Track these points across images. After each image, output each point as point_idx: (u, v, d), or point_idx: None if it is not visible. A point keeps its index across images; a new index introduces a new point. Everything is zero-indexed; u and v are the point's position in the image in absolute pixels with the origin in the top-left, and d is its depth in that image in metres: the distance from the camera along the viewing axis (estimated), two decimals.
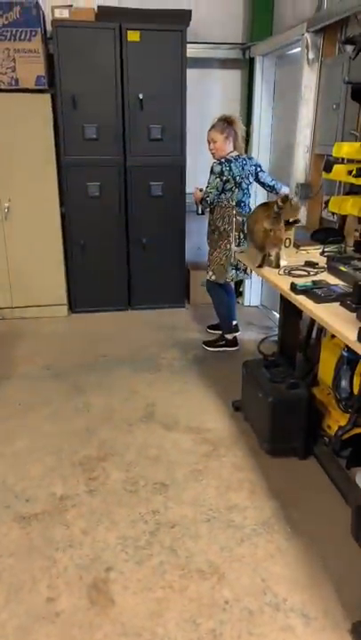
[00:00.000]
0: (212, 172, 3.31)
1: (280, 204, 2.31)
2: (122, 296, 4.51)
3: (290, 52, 3.76)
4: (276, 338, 3.89)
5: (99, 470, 2.43)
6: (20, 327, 4.16)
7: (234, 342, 3.74)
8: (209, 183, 3.32)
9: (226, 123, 3.33)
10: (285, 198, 2.34)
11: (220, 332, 3.78)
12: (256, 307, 4.68)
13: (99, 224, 4.24)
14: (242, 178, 3.35)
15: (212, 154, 3.38)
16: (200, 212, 3.44)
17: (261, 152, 4.26)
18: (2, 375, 3.34)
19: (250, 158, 3.49)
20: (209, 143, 3.38)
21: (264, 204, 2.43)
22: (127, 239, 4.34)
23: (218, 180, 3.28)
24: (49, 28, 3.85)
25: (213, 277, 3.55)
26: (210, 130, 3.37)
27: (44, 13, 3.79)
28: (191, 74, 4.08)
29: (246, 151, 4.40)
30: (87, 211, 4.18)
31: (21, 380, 3.30)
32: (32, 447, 2.60)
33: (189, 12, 3.94)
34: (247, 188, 3.42)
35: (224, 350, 3.71)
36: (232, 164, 3.29)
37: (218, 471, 2.43)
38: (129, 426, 2.79)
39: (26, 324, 4.21)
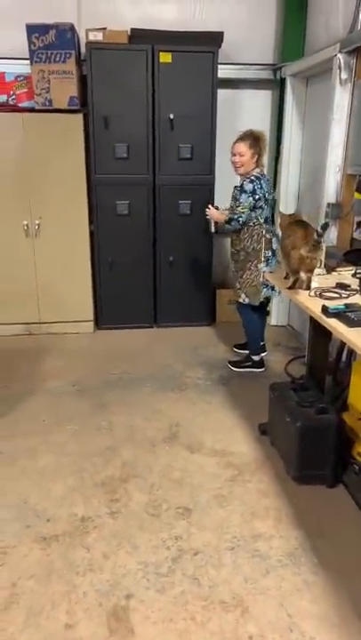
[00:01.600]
0: (243, 190, 3.22)
1: (321, 231, 2.27)
2: (148, 313, 4.50)
3: (322, 72, 3.74)
4: (304, 360, 3.83)
5: (121, 492, 2.39)
6: (47, 342, 4.18)
7: (260, 363, 3.68)
8: (240, 202, 3.21)
9: (254, 138, 3.27)
10: (326, 226, 2.31)
11: (247, 352, 3.72)
12: (283, 327, 4.61)
13: (127, 242, 4.26)
14: (270, 194, 3.35)
15: (236, 167, 3.29)
16: (215, 230, 3.46)
17: (291, 171, 4.23)
18: (28, 390, 3.35)
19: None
20: (234, 155, 3.27)
21: (301, 225, 2.38)
22: (154, 257, 4.34)
23: (250, 198, 3.21)
24: (83, 50, 3.93)
25: (247, 300, 3.46)
26: (237, 142, 3.27)
27: (78, 36, 3.87)
28: (222, 94, 4.10)
29: (276, 170, 4.42)
30: (116, 229, 4.21)
31: (47, 395, 3.30)
32: (55, 465, 2.58)
33: (221, 33, 3.97)
34: (273, 204, 3.47)
35: (250, 371, 3.64)
36: (262, 181, 3.27)
37: (243, 497, 2.36)
38: (152, 446, 2.75)
39: (52, 340, 4.24)
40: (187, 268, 4.38)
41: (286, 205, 4.29)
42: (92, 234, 4.22)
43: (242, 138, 3.24)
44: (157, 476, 2.50)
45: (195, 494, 2.37)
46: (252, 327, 3.64)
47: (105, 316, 4.47)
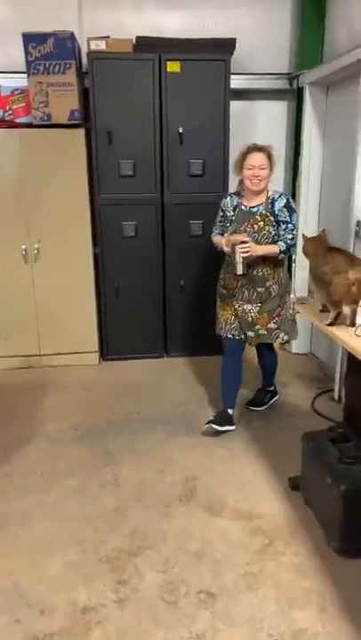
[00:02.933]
0: (292, 209, 2.77)
1: None
2: (157, 342, 4.14)
3: (344, 79, 3.42)
4: (333, 394, 3.44)
5: (130, 570, 2.00)
6: (48, 376, 3.83)
7: (275, 391, 3.35)
8: (294, 224, 2.75)
9: (268, 152, 2.76)
10: None
11: (264, 407, 3.30)
12: (305, 355, 4.23)
13: (134, 265, 3.92)
14: None
15: (254, 182, 2.71)
16: (242, 271, 2.68)
17: (312, 188, 3.89)
18: (25, 435, 2.98)
19: None
20: (250, 168, 2.69)
21: (336, 250, 2.03)
22: (164, 281, 4.00)
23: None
24: (84, 60, 3.64)
25: (286, 337, 3.02)
26: (253, 152, 2.72)
27: (79, 45, 3.59)
28: (234, 106, 3.78)
29: (294, 187, 4.08)
30: (122, 251, 3.88)
31: (45, 441, 2.93)
32: (52, 533, 2.20)
33: (234, 40, 3.67)
34: None
35: (271, 403, 3.31)
36: None
37: (277, 576, 1.96)
38: (166, 507, 2.36)
39: (54, 373, 3.88)
40: (199, 294, 4.01)
41: (307, 226, 3.94)
42: (96, 257, 3.89)
43: (259, 149, 2.73)
44: (173, 547, 2.11)
45: (219, 573, 1.98)
46: (276, 362, 3.28)
47: (111, 346, 4.12)
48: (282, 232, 2.73)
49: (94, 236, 3.84)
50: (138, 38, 3.59)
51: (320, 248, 2.10)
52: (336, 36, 3.64)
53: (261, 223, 2.73)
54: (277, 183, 4.27)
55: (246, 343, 2.97)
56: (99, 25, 3.76)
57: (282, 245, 2.72)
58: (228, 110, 3.71)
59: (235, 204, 2.83)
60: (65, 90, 3.46)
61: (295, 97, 4.02)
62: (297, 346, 4.22)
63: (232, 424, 2.99)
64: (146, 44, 3.58)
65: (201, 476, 2.58)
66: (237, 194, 2.86)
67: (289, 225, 2.74)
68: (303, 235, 2.29)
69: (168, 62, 3.57)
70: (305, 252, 2.23)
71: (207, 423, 2.94)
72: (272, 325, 2.89)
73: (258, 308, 2.83)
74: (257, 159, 2.69)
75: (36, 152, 3.58)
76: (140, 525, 2.23)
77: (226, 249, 2.73)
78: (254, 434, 2.97)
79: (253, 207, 2.78)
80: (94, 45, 3.51)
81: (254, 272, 2.76)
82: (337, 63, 3.30)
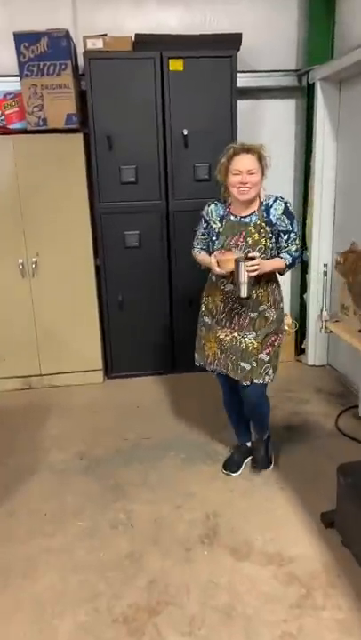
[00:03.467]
0: (292, 215, 2.30)
1: None
2: (165, 358, 3.90)
3: (358, 74, 3.20)
4: (358, 411, 3.20)
5: (150, 631, 1.75)
6: (50, 398, 3.58)
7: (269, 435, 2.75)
8: (296, 233, 2.32)
9: (258, 153, 2.25)
10: None
11: (271, 465, 2.69)
12: (322, 367, 3.98)
13: (138, 278, 3.68)
14: None
15: (243, 191, 2.22)
16: (248, 293, 2.20)
17: (326, 189, 3.66)
18: (27, 467, 2.74)
19: None
20: (237, 174, 2.20)
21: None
22: (170, 294, 3.76)
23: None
24: (80, 61, 3.41)
25: (272, 376, 2.40)
26: (241, 154, 2.22)
27: (74, 45, 3.36)
28: (240, 106, 3.55)
29: (306, 192, 3.84)
30: (125, 263, 3.64)
31: (49, 474, 2.68)
32: (60, 588, 1.95)
33: (239, 35, 3.45)
34: None
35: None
36: None
37: (318, 635, 1.71)
38: (186, 551, 2.11)
39: (56, 394, 3.64)
40: None
41: (321, 233, 3.71)
42: (97, 270, 3.65)
43: (247, 150, 2.22)
44: (197, 601, 1.86)
45: (252, 634, 1.73)
46: (267, 408, 2.61)
47: (116, 363, 3.88)
48: (284, 244, 2.30)
49: (95, 247, 3.60)
50: (137, 35, 3.36)
51: (359, 261, 1.86)
52: (348, 29, 3.41)
53: (256, 235, 2.25)
54: (287, 186, 4.06)
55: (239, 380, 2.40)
56: (95, 25, 3.53)
57: (288, 259, 2.29)
58: (236, 109, 3.48)
59: (221, 213, 2.34)
60: (61, 92, 3.23)
61: (305, 94, 3.79)
62: (313, 357, 3.98)
63: (246, 457, 2.69)
64: (146, 42, 3.35)
65: (222, 512, 2.33)
66: (223, 201, 2.37)
67: (291, 234, 2.29)
68: (338, 254, 2.07)
69: (170, 60, 3.35)
70: (342, 269, 1.99)
71: (223, 468, 2.64)
72: (263, 356, 2.34)
73: (253, 335, 2.33)
74: (245, 163, 2.19)
75: (32, 160, 3.35)
76: (158, 575, 1.99)
77: (217, 270, 2.21)
78: (278, 461, 2.72)
79: (245, 217, 2.29)
80: (91, 44, 3.28)
81: (242, 299, 2.27)
82: (350, 57, 3.08)
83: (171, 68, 3.36)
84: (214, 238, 2.36)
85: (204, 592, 1.90)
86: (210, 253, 2.36)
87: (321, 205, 3.68)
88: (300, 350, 4.07)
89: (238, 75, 3.49)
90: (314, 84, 3.59)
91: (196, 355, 2.59)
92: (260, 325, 2.35)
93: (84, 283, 3.61)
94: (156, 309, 3.78)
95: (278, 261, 2.30)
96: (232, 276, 2.21)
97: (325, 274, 1.76)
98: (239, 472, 2.62)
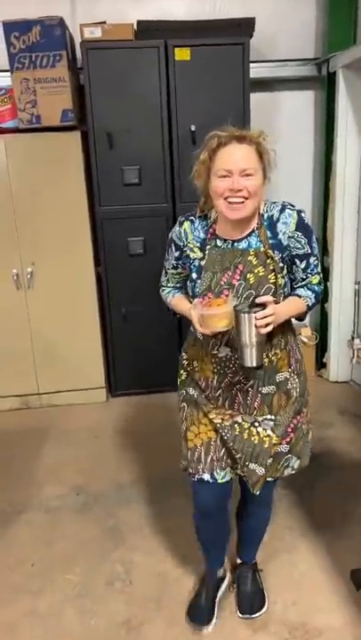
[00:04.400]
0: (309, 229, 1.53)
1: None
2: (172, 373, 3.54)
3: None
4: None
5: None
6: (48, 419, 3.30)
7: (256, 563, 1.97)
8: (315, 257, 1.55)
9: (257, 144, 1.46)
10: None
11: (263, 609, 1.82)
12: (346, 383, 3.64)
13: (143, 288, 3.37)
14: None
15: (234, 206, 1.44)
16: (256, 362, 1.42)
17: (349, 189, 3.31)
18: (18, 505, 2.45)
19: None
20: (225, 176, 1.42)
21: None
22: None
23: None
24: (77, 53, 3.12)
25: (298, 465, 1.69)
26: (233, 143, 1.42)
27: (70, 34, 3.07)
28: (253, 99, 3.22)
29: (327, 189, 3.49)
30: (129, 272, 3.34)
31: (40, 514, 2.39)
32: None
33: (252, 19, 3.12)
34: None
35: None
36: None
37: None
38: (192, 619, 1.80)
39: (55, 415, 3.35)
40: None
41: (343, 237, 3.37)
42: (99, 279, 3.36)
43: (240, 138, 1.42)
44: None
45: None
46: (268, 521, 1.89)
47: (120, 380, 3.58)
48: (301, 274, 1.54)
49: (96, 255, 3.31)
50: (139, 22, 3.06)
51: None
52: None
53: (261, 269, 1.47)
54: (306, 185, 3.72)
55: (244, 482, 1.69)
56: (94, 16, 3.22)
57: (309, 297, 1.55)
58: (249, 102, 3.16)
59: (202, 235, 1.55)
60: (55, 86, 2.95)
61: (325, 85, 3.44)
62: (336, 372, 3.64)
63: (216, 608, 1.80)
64: (149, 29, 3.04)
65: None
66: (204, 216, 1.58)
67: (311, 259, 1.52)
68: None
69: (176, 49, 3.03)
70: None
71: (189, 617, 1.79)
72: (283, 448, 1.61)
73: (271, 423, 1.57)
74: (237, 158, 1.40)
75: (26, 161, 3.07)
76: None
77: (200, 330, 1.43)
78: (296, 500, 2.40)
79: (240, 241, 1.51)
80: (88, 33, 2.99)
81: (252, 369, 1.49)
82: None
83: (177, 58, 3.05)
84: (194, 275, 1.54)
85: None
86: (189, 296, 1.58)
87: (344, 205, 3.34)
88: (320, 364, 3.73)
89: (251, 65, 3.16)
90: (335, 72, 3.25)
91: (183, 449, 1.69)
92: (280, 405, 1.57)
93: (84, 294, 3.32)
94: (164, 322, 3.46)
95: (297, 302, 1.54)
96: (226, 336, 1.49)
97: (358, 293, 1.41)
98: (213, 623, 1.76)
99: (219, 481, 1.61)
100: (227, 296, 1.47)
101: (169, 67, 3.06)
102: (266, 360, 1.51)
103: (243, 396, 1.57)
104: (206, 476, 1.60)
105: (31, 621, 1.82)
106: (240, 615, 1.79)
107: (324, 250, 3.53)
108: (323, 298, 3.64)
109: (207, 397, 1.62)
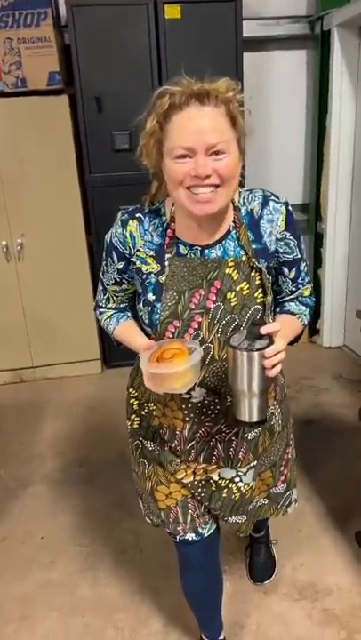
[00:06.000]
0: (296, 227, 1.19)
1: None
2: None
3: None
4: None
5: None
6: (43, 393, 3.28)
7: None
8: (304, 261, 1.24)
9: (231, 111, 1.04)
10: None
11: (272, 576, 1.85)
12: (338, 348, 3.68)
13: None
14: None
15: (201, 196, 1.03)
16: (259, 416, 1.06)
17: (343, 154, 3.27)
18: (20, 480, 2.45)
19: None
20: (187, 156, 1.01)
21: None
22: None
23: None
24: (63, 11, 2.96)
25: (296, 494, 1.54)
26: (195, 103, 1.02)
27: None
28: (244, 59, 3.12)
29: (320, 154, 3.43)
30: None
31: (45, 487, 2.40)
32: (60, 636, 1.69)
33: None
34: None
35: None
36: None
37: None
38: None
39: (50, 389, 3.33)
40: None
41: (336, 209, 3.34)
42: (91, 248, 3.29)
43: (201, 96, 1.01)
44: None
45: None
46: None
47: (115, 351, 3.53)
48: (290, 286, 1.23)
49: (87, 224, 3.23)
50: None
51: None
52: None
53: (245, 286, 1.12)
54: (298, 151, 3.65)
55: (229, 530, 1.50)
56: None
57: (304, 314, 1.27)
58: (242, 61, 3.06)
59: (156, 240, 1.16)
60: (41, 47, 2.80)
61: (318, 44, 3.33)
62: (329, 338, 3.68)
63: None
64: None
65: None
66: (155, 212, 1.18)
67: (301, 265, 1.22)
68: None
69: (166, 6, 2.89)
70: None
71: None
72: (279, 489, 1.44)
73: (252, 472, 1.30)
74: (201, 128, 1.00)
75: (11, 127, 2.94)
76: (175, 615, 1.72)
77: (155, 390, 1.09)
78: (299, 465, 2.42)
79: (211, 247, 1.14)
80: None
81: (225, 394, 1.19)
82: None
83: (166, 16, 2.92)
84: (151, 297, 1.14)
85: (229, 638, 1.64)
86: (142, 323, 1.20)
87: (338, 169, 3.29)
88: (313, 331, 3.76)
89: (243, 22, 3.05)
90: (329, 31, 3.15)
91: (142, 506, 1.41)
92: (263, 447, 1.30)
93: (76, 264, 3.25)
94: None
95: (292, 323, 1.23)
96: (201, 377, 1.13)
97: None
98: None
99: (205, 535, 1.32)
100: (192, 335, 1.11)
101: (159, 25, 2.93)
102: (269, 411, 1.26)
103: (224, 448, 1.24)
104: (190, 536, 1.31)
105: (47, 592, 1.84)
106: (252, 581, 1.83)
107: (318, 215, 3.51)
108: (316, 264, 3.74)
109: (172, 450, 1.26)
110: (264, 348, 0.97)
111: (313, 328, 3.75)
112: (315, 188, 3.49)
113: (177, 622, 1.69)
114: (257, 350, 0.97)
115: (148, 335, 1.19)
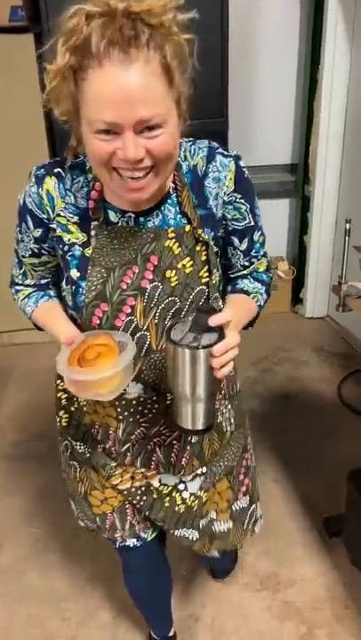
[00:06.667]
0: (250, 186, 0.97)
1: None
2: None
3: None
4: None
5: None
6: (10, 360, 3.11)
7: None
8: (260, 230, 1.01)
9: (166, 62, 0.76)
10: None
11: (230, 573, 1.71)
12: (322, 319, 3.53)
13: None
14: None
15: (130, 184, 0.81)
16: (205, 423, 0.87)
17: (334, 116, 3.01)
18: None
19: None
20: (109, 132, 0.76)
21: None
22: None
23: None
24: None
25: (261, 512, 1.34)
26: (116, 52, 0.72)
27: None
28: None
29: (311, 108, 3.17)
30: None
31: (0, 462, 2.27)
32: (4, 625, 1.58)
33: None
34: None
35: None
36: None
37: None
38: None
39: (17, 355, 3.16)
40: None
41: (326, 171, 3.11)
42: None
43: (125, 45, 0.72)
44: None
45: None
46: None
47: None
48: (243, 260, 1.04)
49: None
50: None
51: None
52: None
53: (188, 262, 0.93)
54: (285, 107, 3.37)
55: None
56: None
57: (260, 293, 1.07)
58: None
59: (80, 203, 0.93)
60: None
61: None
62: (312, 308, 3.51)
63: None
64: None
65: None
66: (79, 167, 0.93)
67: (255, 234, 1.01)
68: None
69: None
70: None
71: None
72: (241, 503, 1.23)
73: (199, 480, 1.13)
74: (128, 97, 0.73)
75: None
76: (126, 606, 1.61)
77: (78, 395, 0.97)
78: (270, 444, 2.31)
79: (148, 214, 0.93)
80: None
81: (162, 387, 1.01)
82: None
83: None
84: (75, 273, 0.94)
85: (181, 632, 1.54)
86: (66, 304, 1.00)
87: (329, 127, 3.05)
88: (296, 300, 3.60)
89: None
90: None
91: (75, 508, 1.23)
92: (212, 450, 1.12)
93: None
94: None
95: (246, 304, 1.04)
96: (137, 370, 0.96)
97: (348, 232, 1.22)
98: None
99: (148, 539, 1.18)
100: (124, 322, 0.93)
101: None
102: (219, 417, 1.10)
103: (165, 453, 1.07)
104: (131, 541, 1.16)
105: None
106: (211, 576, 1.71)
107: (305, 177, 3.29)
108: (302, 229, 3.54)
109: (106, 451, 1.08)
110: (212, 344, 0.78)
111: (296, 297, 3.59)
112: (304, 148, 3.26)
113: (126, 614, 1.59)
114: (203, 348, 0.78)
115: (74, 321, 0.99)
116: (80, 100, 0.77)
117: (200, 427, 0.86)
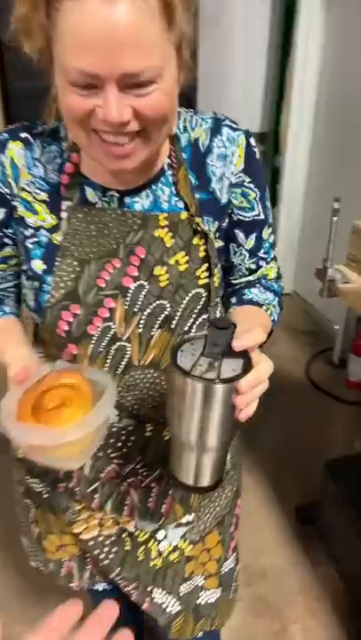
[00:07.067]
0: (261, 170, 0.79)
1: None
2: None
3: None
4: (332, 355, 2.75)
5: None
6: None
7: None
8: (269, 225, 0.82)
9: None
10: None
11: None
12: (288, 295, 3.47)
13: None
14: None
15: (113, 149, 0.62)
16: (213, 480, 0.65)
17: (307, 85, 2.87)
18: None
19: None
20: (86, 86, 0.57)
21: None
22: None
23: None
24: None
25: (235, 582, 1.04)
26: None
27: None
28: None
29: (283, 78, 3.02)
30: None
31: None
32: None
33: None
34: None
35: None
36: None
37: None
38: None
39: None
40: None
41: (297, 141, 2.99)
42: None
43: None
44: None
45: None
46: None
47: None
48: (249, 261, 0.83)
49: None
50: None
51: None
52: None
53: (182, 256, 0.73)
54: (256, 74, 3.21)
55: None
56: None
57: (273, 305, 0.84)
58: None
59: (51, 177, 0.73)
60: None
61: None
62: None
63: None
64: None
65: None
66: (51, 133, 0.74)
67: (265, 229, 0.82)
68: None
69: None
70: None
71: None
72: (230, 563, 0.99)
73: (181, 530, 0.89)
74: (110, 40, 0.53)
75: None
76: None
77: (29, 457, 0.71)
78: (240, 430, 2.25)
79: (135, 193, 0.73)
80: None
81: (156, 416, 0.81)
82: None
83: None
84: (39, 265, 0.73)
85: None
86: (28, 308, 0.78)
87: (302, 95, 2.92)
88: None
89: None
90: None
91: (25, 545, 1.00)
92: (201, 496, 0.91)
93: None
94: None
95: (260, 317, 0.81)
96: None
97: (336, 212, 1.11)
98: None
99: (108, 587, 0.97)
100: (99, 329, 0.74)
101: None
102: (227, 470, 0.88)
103: (140, 496, 0.86)
104: (100, 585, 0.96)
105: None
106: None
107: (276, 148, 3.17)
108: (271, 201, 3.42)
109: (69, 491, 0.86)
110: (239, 376, 0.56)
111: None
112: (275, 116, 3.12)
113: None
114: (225, 382, 0.56)
115: (35, 333, 0.79)
116: (53, 35, 0.57)
117: (205, 483, 0.63)
